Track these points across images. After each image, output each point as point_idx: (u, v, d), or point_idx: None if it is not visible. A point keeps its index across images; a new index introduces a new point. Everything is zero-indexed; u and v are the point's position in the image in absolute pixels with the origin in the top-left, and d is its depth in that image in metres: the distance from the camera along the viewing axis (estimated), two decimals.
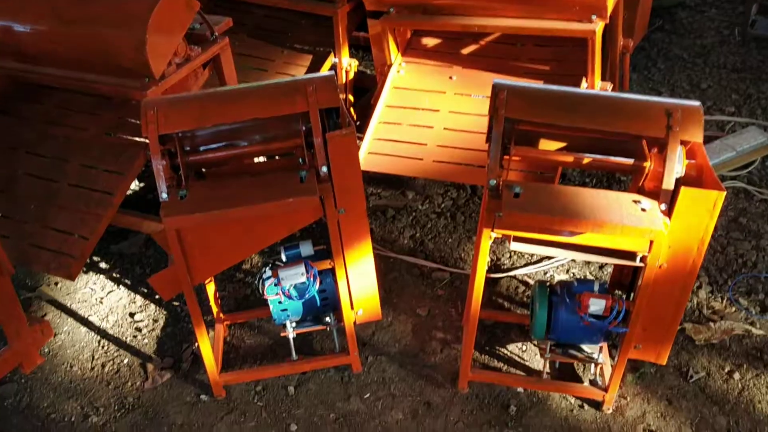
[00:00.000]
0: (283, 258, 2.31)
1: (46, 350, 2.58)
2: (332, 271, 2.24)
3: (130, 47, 2.45)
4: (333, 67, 3.46)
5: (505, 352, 2.49)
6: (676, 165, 1.91)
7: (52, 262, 2.50)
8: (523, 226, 1.95)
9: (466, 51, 3.36)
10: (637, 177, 2.05)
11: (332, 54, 3.47)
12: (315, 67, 3.50)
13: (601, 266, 2.80)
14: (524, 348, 2.50)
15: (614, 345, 2.40)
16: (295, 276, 2.18)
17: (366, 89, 3.78)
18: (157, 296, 2.74)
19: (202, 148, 2.18)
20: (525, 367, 2.43)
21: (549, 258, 2.82)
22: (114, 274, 2.91)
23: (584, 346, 2.30)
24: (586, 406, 2.29)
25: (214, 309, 2.55)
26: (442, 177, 3.11)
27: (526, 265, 2.82)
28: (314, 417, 2.31)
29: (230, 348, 2.56)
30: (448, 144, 2.98)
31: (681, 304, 2.06)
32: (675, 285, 2.02)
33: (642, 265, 1.98)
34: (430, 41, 3.41)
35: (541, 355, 2.29)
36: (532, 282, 2.75)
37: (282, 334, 2.36)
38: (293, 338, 2.36)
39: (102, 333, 2.65)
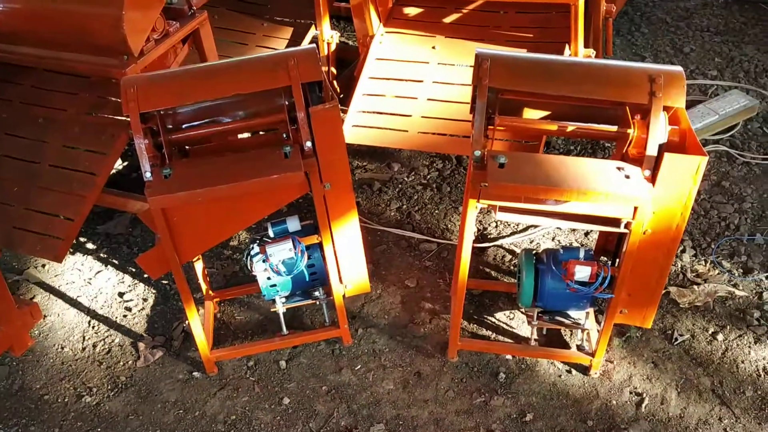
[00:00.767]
0: (271, 234, 2.31)
1: (36, 332, 2.58)
2: (320, 245, 2.25)
3: (107, 24, 2.41)
4: (314, 40, 3.43)
5: (493, 320, 2.51)
6: (660, 131, 1.92)
7: (38, 245, 2.49)
8: (509, 197, 1.96)
9: (448, 20, 3.33)
10: (620, 144, 2.06)
11: (313, 26, 3.43)
12: (296, 39, 3.47)
13: (587, 233, 2.82)
14: (512, 316, 2.52)
15: (600, 311, 2.43)
16: (282, 252, 2.18)
17: (349, 61, 3.75)
18: (145, 275, 2.74)
19: (184, 126, 2.16)
20: (513, 334, 2.46)
21: (535, 226, 2.84)
22: (101, 255, 2.90)
23: (571, 313, 2.33)
24: (573, 371, 2.33)
25: (203, 286, 2.56)
26: (427, 148, 3.11)
27: (512, 233, 2.84)
28: (306, 390, 2.33)
29: (221, 324, 2.57)
30: (432, 115, 2.98)
31: (665, 268, 2.08)
32: (659, 250, 2.04)
33: (627, 231, 2.00)
34: (411, 11, 3.38)
35: (529, 323, 2.32)
36: (518, 250, 2.77)
37: (272, 310, 2.37)
38: (283, 313, 2.37)
39: (92, 313, 2.65)
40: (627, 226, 1.99)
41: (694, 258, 2.70)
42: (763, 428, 2.15)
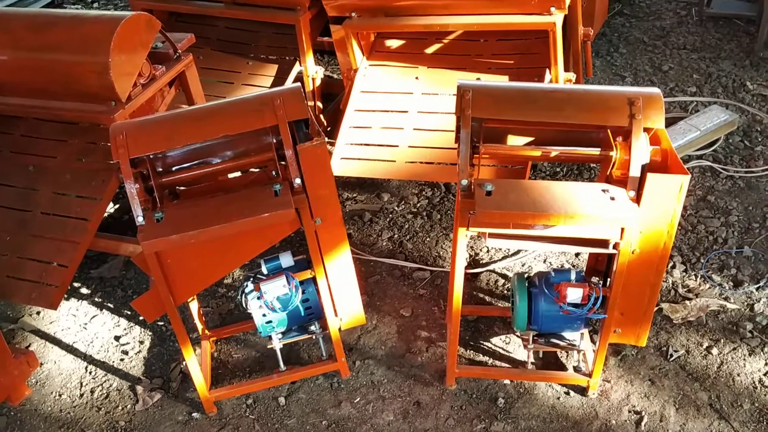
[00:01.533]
0: (264, 270, 2.32)
1: (34, 381, 2.57)
2: (314, 279, 2.26)
3: (93, 72, 2.45)
4: (299, 76, 3.47)
5: (490, 345, 2.53)
6: (642, 152, 1.96)
7: (33, 293, 2.50)
8: (497, 223, 1.99)
9: (430, 50, 3.39)
10: (604, 166, 2.10)
11: (297, 62, 3.48)
12: (281, 76, 3.51)
13: (578, 254, 2.85)
14: (508, 340, 2.54)
15: (595, 330, 2.45)
16: (277, 288, 2.20)
17: (334, 94, 3.80)
18: (141, 318, 2.75)
19: (174, 168, 2.19)
20: (510, 358, 2.47)
21: (525, 250, 2.87)
22: (96, 299, 2.90)
23: (566, 334, 2.35)
24: (571, 393, 2.34)
25: (199, 326, 2.56)
26: (415, 177, 3.15)
27: (504, 258, 2.87)
28: (307, 425, 2.33)
29: (218, 364, 2.57)
30: (418, 144, 3.02)
31: (656, 286, 2.11)
32: (649, 268, 2.07)
33: (615, 251, 2.03)
34: (394, 43, 3.44)
35: (524, 347, 2.33)
36: (510, 274, 2.79)
37: (269, 346, 2.38)
38: (280, 349, 2.38)
39: (88, 359, 2.65)
40: (615, 246, 2.02)
41: (684, 273, 2.73)
42: None
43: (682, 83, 3.77)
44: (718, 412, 2.25)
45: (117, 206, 3.34)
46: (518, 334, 2.51)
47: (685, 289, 2.66)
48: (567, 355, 2.44)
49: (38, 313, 2.86)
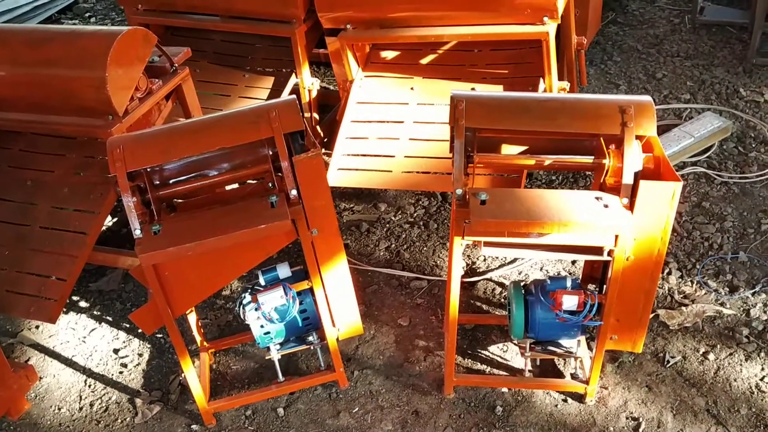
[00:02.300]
0: (262, 282, 2.33)
1: (33, 395, 2.58)
2: (311, 290, 2.27)
3: (91, 86, 2.47)
4: (295, 87, 3.50)
5: (487, 354, 2.54)
6: (634, 160, 1.97)
7: (32, 307, 2.51)
8: (492, 232, 2.00)
9: (425, 61, 3.42)
10: (598, 174, 2.12)
11: (293, 74, 3.50)
12: (277, 88, 3.53)
13: (574, 261, 2.86)
14: (505, 348, 2.55)
15: (592, 337, 2.45)
16: (274, 299, 2.21)
17: (330, 105, 3.83)
18: (139, 330, 2.75)
19: (172, 181, 2.20)
20: (508, 366, 2.48)
21: (522, 258, 2.88)
22: (95, 312, 2.91)
23: (562, 342, 2.36)
24: (569, 400, 2.35)
25: (198, 338, 2.57)
26: (412, 187, 3.16)
27: (500, 266, 2.88)
28: None
29: (217, 375, 2.58)
30: (414, 154, 3.04)
31: (651, 292, 2.12)
32: (643, 275, 2.08)
33: (610, 258, 2.04)
34: (389, 54, 3.46)
35: (522, 354, 2.34)
36: (507, 283, 2.80)
37: (267, 357, 2.38)
38: (278, 360, 2.39)
39: (87, 372, 2.66)
40: (610, 253, 2.03)
41: (680, 279, 2.74)
42: None
43: (675, 90, 3.80)
44: (715, 417, 2.26)
45: (115, 219, 3.35)
46: (515, 342, 2.52)
47: (681, 295, 2.67)
48: (564, 363, 2.45)
49: (37, 327, 2.87)
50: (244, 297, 2.32)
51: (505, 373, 2.46)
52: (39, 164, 2.83)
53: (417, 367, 2.51)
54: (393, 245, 3.07)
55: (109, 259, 2.92)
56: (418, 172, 2.98)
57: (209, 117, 2.22)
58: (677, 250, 2.86)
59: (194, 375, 2.29)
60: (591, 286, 2.37)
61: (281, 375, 2.42)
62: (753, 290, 2.65)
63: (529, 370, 2.39)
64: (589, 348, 2.44)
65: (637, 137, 2.01)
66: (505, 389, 2.40)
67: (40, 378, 2.64)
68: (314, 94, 3.52)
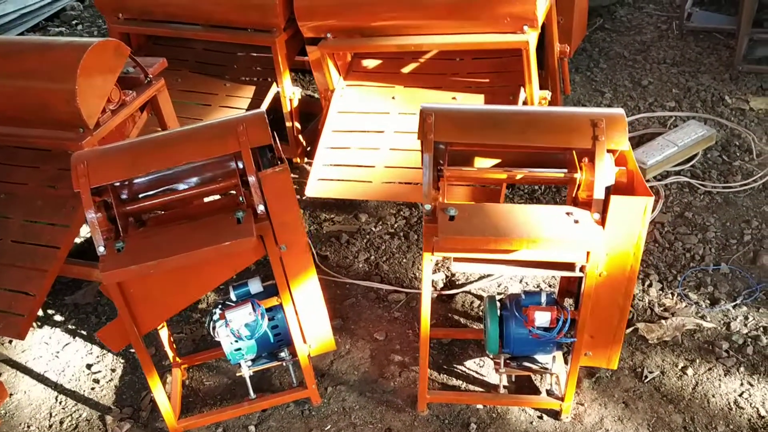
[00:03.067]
0: (233, 297, 2.30)
1: (2, 412, 2.54)
2: (282, 306, 2.24)
3: (61, 99, 2.44)
4: (276, 97, 3.46)
5: (463, 369, 2.50)
6: (605, 174, 1.94)
7: (1, 323, 2.47)
8: (461, 248, 1.97)
9: (406, 70, 3.39)
10: (570, 188, 2.08)
11: (274, 84, 3.47)
12: (258, 97, 3.50)
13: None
14: (482, 363, 2.51)
15: (568, 353, 2.42)
16: (242, 316, 2.17)
17: (315, 114, 3.79)
18: None
19: (139, 195, 2.17)
20: (483, 382, 2.44)
21: (493, 273, 2.84)
22: (69, 326, 2.88)
23: (538, 357, 2.32)
24: (545, 417, 2.31)
25: (170, 353, 2.53)
26: (392, 198, 3.13)
27: (480, 278, 2.84)
28: None
29: (189, 391, 2.54)
30: (395, 164, 3.01)
31: (625, 308, 2.08)
32: (617, 291, 2.05)
33: (582, 275, 2.00)
34: (370, 63, 3.43)
35: (496, 371, 2.30)
36: (485, 295, 2.76)
37: (238, 374, 2.35)
38: (250, 376, 2.35)
39: (59, 388, 2.62)
40: (582, 269, 2.00)
41: (660, 292, 2.70)
42: None
43: (661, 98, 3.76)
44: None
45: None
46: (491, 357, 2.48)
47: (661, 308, 2.63)
48: (540, 378, 2.41)
49: (10, 341, 2.83)
50: (214, 313, 2.28)
51: (480, 389, 2.42)
52: (13, 177, 2.80)
53: (392, 383, 2.48)
54: (372, 257, 3.04)
55: (82, 273, 2.88)
56: (398, 183, 2.95)
57: (176, 131, 2.18)
58: (658, 261, 2.82)
59: (162, 393, 2.25)
60: (568, 300, 2.33)
61: (253, 392, 2.38)
62: (734, 303, 2.62)
63: (504, 386, 2.36)
64: (566, 363, 2.40)
65: (610, 151, 1.97)
66: (480, 406, 2.36)
67: (11, 395, 2.60)
68: (296, 103, 3.49)
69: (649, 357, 2.46)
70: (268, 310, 2.26)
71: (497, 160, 2.19)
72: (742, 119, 3.54)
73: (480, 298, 2.77)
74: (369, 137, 3.14)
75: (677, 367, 2.42)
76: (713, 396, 2.32)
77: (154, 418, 2.45)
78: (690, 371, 2.40)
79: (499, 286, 2.81)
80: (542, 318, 2.09)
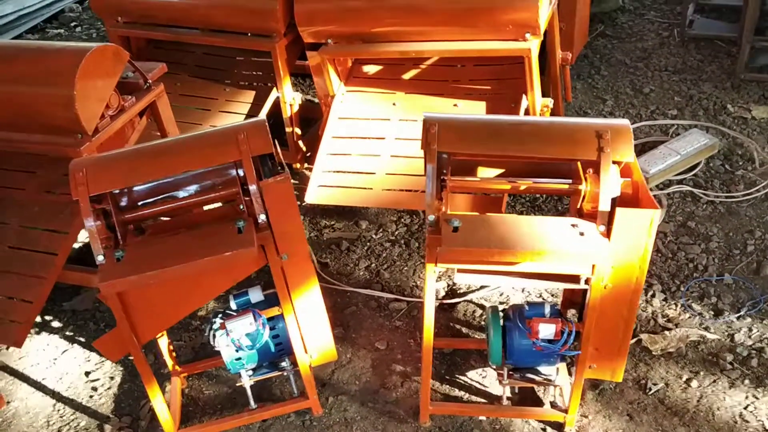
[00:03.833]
0: (233, 306, 2.27)
1: (0, 420, 2.51)
2: (283, 316, 2.21)
3: (58, 104, 2.41)
4: (276, 102, 3.44)
5: (466, 379, 2.47)
6: (611, 186, 1.92)
7: None
8: (464, 260, 1.95)
9: (407, 76, 3.36)
10: (575, 199, 2.06)
11: (275, 88, 3.45)
12: (258, 103, 3.48)
13: None
14: (484, 374, 2.49)
15: (572, 364, 2.40)
16: (243, 326, 2.15)
17: (315, 119, 3.77)
18: None
19: (138, 203, 2.14)
20: (486, 393, 2.42)
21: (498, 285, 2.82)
22: (67, 333, 2.85)
23: (542, 369, 2.30)
24: (548, 429, 2.28)
25: (170, 362, 2.50)
26: (393, 205, 3.11)
27: (481, 287, 2.82)
28: None
29: (189, 400, 2.51)
30: (396, 171, 2.98)
31: (630, 321, 2.07)
32: (622, 303, 2.03)
33: (587, 287, 1.98)
34: (371, 69, 3.41)
35: (500, 382, 2.28)
36: (488, 305, 2.74)
37: (238, 384, 2.32)
38: (251, 386, 2.32)
39: (57, 396, 2.59)
40: (587, 282, 1.98)
41: (664, 302, 2.68)
42: None
43: (663, 106, 3.75)
44: None
45: None
46: (494, 368, 2.46)
47: (664, 319, 2.61)
48: (543, 390, 2.39)
49: (7, 348, 2.80)
50: (214, 322, 2.25)
51: (483, 400, 2.40)
52: (9, 182, 2.77)
53: (393, 393, 2.45)
54: (373, 264, 3.01)
55: (82, 279, 2.84)
56: (399, 190, 2.93)
57: (176, 138, 2.16)
58: (661, 271, 2.80)
59: (162, 403, 2.22)
60: (571, 311, 2.30)
61: (253, 402, 2.35)
62: (738, 314, 2.60)
63: (508, 398, 2.33)
64: (569, 374, 2.38)
65: (615, 162, 1.95)
66: (483, 417, 2.33)
67: (8, 402, 2.57)
68: (296, 108, 3.47)
69: (653, 369, 2.44)
70: (269, 319, 2.24)
71: (500, 170, 2.17)
72: (744, 128, 3.52)
73: (482, 307, 2.74)
74: (370, 144, 3.12)
75: (681, 379, 2.40)
76: (718, 409, 2.29)
77: (153, 428, 2.42)
78: (694, 383, 2.38)
79: (501, 296, 2.78)
80: (546, 330, 2.07)
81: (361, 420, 2.37)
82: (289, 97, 3.40)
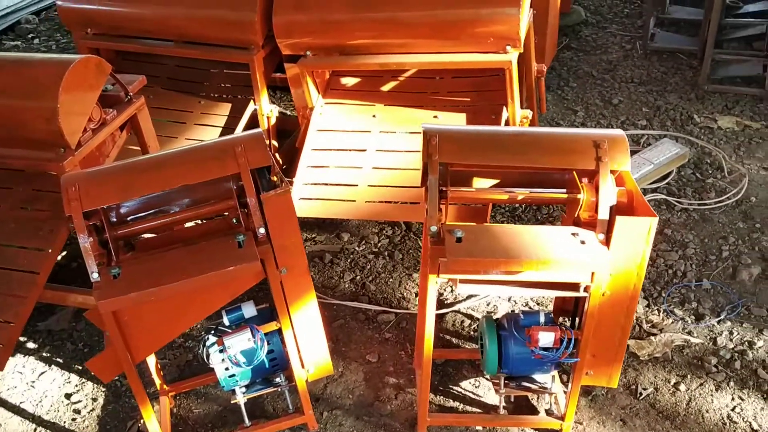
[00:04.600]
0: (226, 322, 2.23)
1: None
2: (278, 331, 2.18)
3: (41, 118, 2.34)
4: (254, 114, 3.41)
5: (459, 390, 2.48)
6: (609, 195, 1.96)
7: None
8: (469, 270, 1.95)
9: (386, 88, 3.38)
10: (571, 208, 2.09)
11: (252, 101, 3.42)
12: (235, 115, 3.44)
13: None
14: (477, 383, 2.50)
15: (565, 371, 2.43)
16: (241, 343, 2.11)
17: (289, 131, 3.74)
18: (93, 373, 2.60)
19: (130, 218, 2.09)
20: (481, 403, 2.43)
21: (499, 295, 2.84)
22: (44, 354, 2.75)
23: (536, 376, 2.32)
24: None
25: (157, 381, 2.44)
26: (376, 217, 3.10)
27: (468, 297, 2.83)
28: None
29: (178, 420, 2.45)
30: (378, 183, 2.98)
31: (626, 327, 2.10)
32: (619, 310, 2.06)
33: (586, 294, 2.01)
34: (349, 81, 3.41)
35: (496, 391, 2.29)
36: (476, 315, 2.76)
37: (233, 401, 2.27)
38: (244, 403, 2.28)
39: (37, 420, 2.49)
40: (586, 289, 2.01)
41: (647, 308, 2.74)
42: None
43: (632, 116, 3.85)
44: None
45: (64, 253, 3.19)
46: (488, 377, 2.47)
47: (649, 325, 2.67)
48: (538, 398, 2.41)
49: None
50: (208, 338, 2.21)
51: (478, 410, 2.40)
52: None
53: (388, 406, 2.44)
54: (358, 277, 3.00)
55: (58, 297, 2.75)
56: (381, 202, 2.93)
57: (171, 152, 2.12)
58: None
59: (155, 424, 2.16)
60: (561, 319, 2.34)
61: (247, 419, 2.31)
62: (718, 318, 2.67)
63: (503, 407, 2.34)
64: (563, 381, 2.41)
65: (611, 171, 1.99)
66: (479, 427, 2.34)
67: None
68: (273, 121, 3.44)
69: (642, 374, 2.49)
70: (264, 335, 2.20)
71: (495, 180, 2.19)
72: (711, 137, 3.64)
73: (470, 317, 2.76)
74: (351, 156, 3.11)
75: (670, 383, 2.45)
76: (707, 411, 2.35)
77: None
78: (682, 387, 2.43)
79: (488, 305, 2.81)
80: (546, 339, 2.09)
81: None
82: (266, 109, 3.37)
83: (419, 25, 3.00)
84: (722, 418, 2.33)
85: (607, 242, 1.95)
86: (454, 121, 3.14)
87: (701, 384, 2.44)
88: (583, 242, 1.94)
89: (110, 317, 1.93)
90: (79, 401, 2.55)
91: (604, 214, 1.95)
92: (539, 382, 2.31)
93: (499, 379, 2.29)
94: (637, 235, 1.92)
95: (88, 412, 2.51)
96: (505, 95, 3.05)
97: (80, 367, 2.67)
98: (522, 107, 3.21)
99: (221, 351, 2.15)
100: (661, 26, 4.68)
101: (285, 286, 2.09)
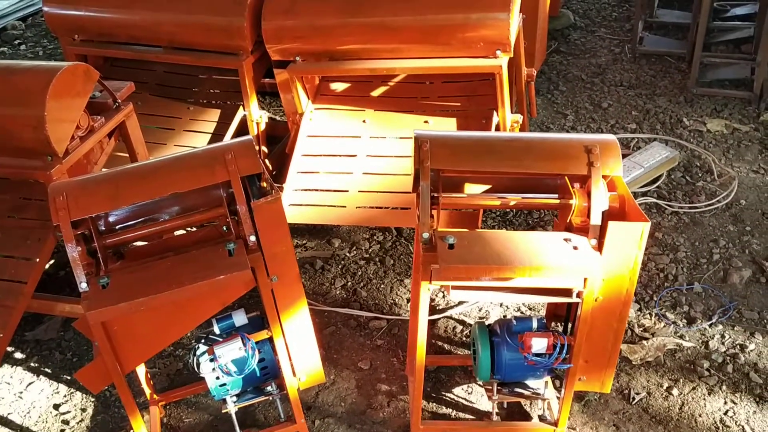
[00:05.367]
0: (216, 330, 2.21)
1: None
2: (270, 339, 2.16)
3: (28, 126, 2.32)
4: (243, 120, 3.39)
5: (452, 396, 2.47)
6: (601, 200, 1.95)
7: None
8: (461, 277, 1.94)
9: (376, 93, 3.37)
10: (563, 213, 2.09)
11: (241, 107, 3.40)
12: (224, 121, 3.42)
13: None
14: (470, 390, 2.49)
15: (557, 376, 2.42)
16: (232, 351, 2.09)
17: (278, 137, 3.73)
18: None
19: (118, 227, 2.07)
20: (473, 409, 2.42)
21: (491, 301, 2.82)
22: (32, 364, 2.72)
23: (529, 382, 2.31)
24: None
25: (147, 390, 2.42)
26: (366, 222, 3.08)
27: (460, 303, 2.82)
28: None
29: (168, 430, 2.43)
30: (369, 189, 2.97)
31: (619, 332, 2.10)
32: (612, 315, 2.06)
33: (579, 300, 2.01)
34: (339, 86, 3.40)
35: (489, 398, 2.28)
36: (468, 320, 2.75)
37: (223, 411, 2.25)
38: (235, 413, 2.26)
39: (25, 431, 2.46)
40: (579, 295, 2.00)
41: (639, 312, 2.74)
42: None
43: (622, 120, 3.86)
44: None
45: (52, 261, 3.15)
46: (481, 383, 2.46)
47: (641, 329, 2.67)
48: (531, 404, 2.40)
49: None
50: (198, 347, 2.19)
51: (471, 417, 2.39)
52: None
53: (381, 413, 2.42)
54: (349, 283, 2.99)
55: (46, 306, 2.72)
56: (372, 207, 2.91)
57: (160, 160, 2.09)
58: None
59: None
60: (554, 324, 2.33)
61: (239, 428, 2.29)
62: (710, 321, 2.68)
63: (497, 413, 2.33)
64: (555, 387, 2.40)
65: (603, 176, 1.99)
66: None
67: None
68: (263, 126, 3.42)
69: (634, 378, 2.49)
70: (255, 344, 2.18)
71: (487, 186, 2.18)
72: (700, 141, 3.65)
73: (462, 323, 2.75)
74: (341, 161, 3.10)
75: (662, 388, 2.45)
76: (700, 415, 2.35)
77: None
78: (675, 391, 2.43)
79: (480, 311, 2.80)
80: (539, 345, 2.08)
81: None
82: (256, 115, 3.35)
83: (409, 29, 2.99)
84: (715, 422, 2.33)
85: (599, 247, 1.95)
86: (445, 126, 3.13)
87: (694, 388, 2.44)
88: (575, 248, 1.93)
89: (99, 327, 1.91)
90: (68, 412, 2.52)
91: (596, 219, 1.94)
92: (532, 388, 2.30)
93: (491, 385, 2.28)
94: (630, 241, 1.92)
95: (77, 423, 2.48)
96: (495, 100, 3.04)
97: (69, 377, 2.64)
98: (512, 111, 3.21)
99: (212, 360, 2.13)
100: (649, 30, 4.69)
101: (276, 294, 2.07)
